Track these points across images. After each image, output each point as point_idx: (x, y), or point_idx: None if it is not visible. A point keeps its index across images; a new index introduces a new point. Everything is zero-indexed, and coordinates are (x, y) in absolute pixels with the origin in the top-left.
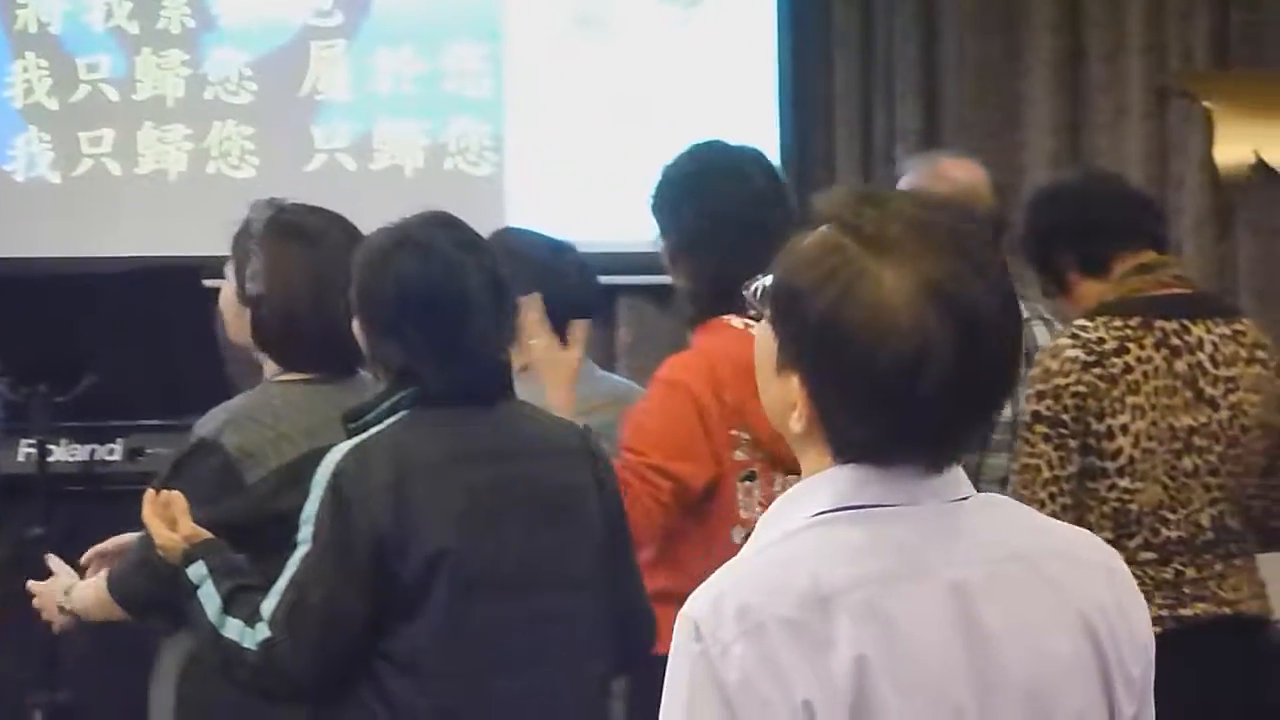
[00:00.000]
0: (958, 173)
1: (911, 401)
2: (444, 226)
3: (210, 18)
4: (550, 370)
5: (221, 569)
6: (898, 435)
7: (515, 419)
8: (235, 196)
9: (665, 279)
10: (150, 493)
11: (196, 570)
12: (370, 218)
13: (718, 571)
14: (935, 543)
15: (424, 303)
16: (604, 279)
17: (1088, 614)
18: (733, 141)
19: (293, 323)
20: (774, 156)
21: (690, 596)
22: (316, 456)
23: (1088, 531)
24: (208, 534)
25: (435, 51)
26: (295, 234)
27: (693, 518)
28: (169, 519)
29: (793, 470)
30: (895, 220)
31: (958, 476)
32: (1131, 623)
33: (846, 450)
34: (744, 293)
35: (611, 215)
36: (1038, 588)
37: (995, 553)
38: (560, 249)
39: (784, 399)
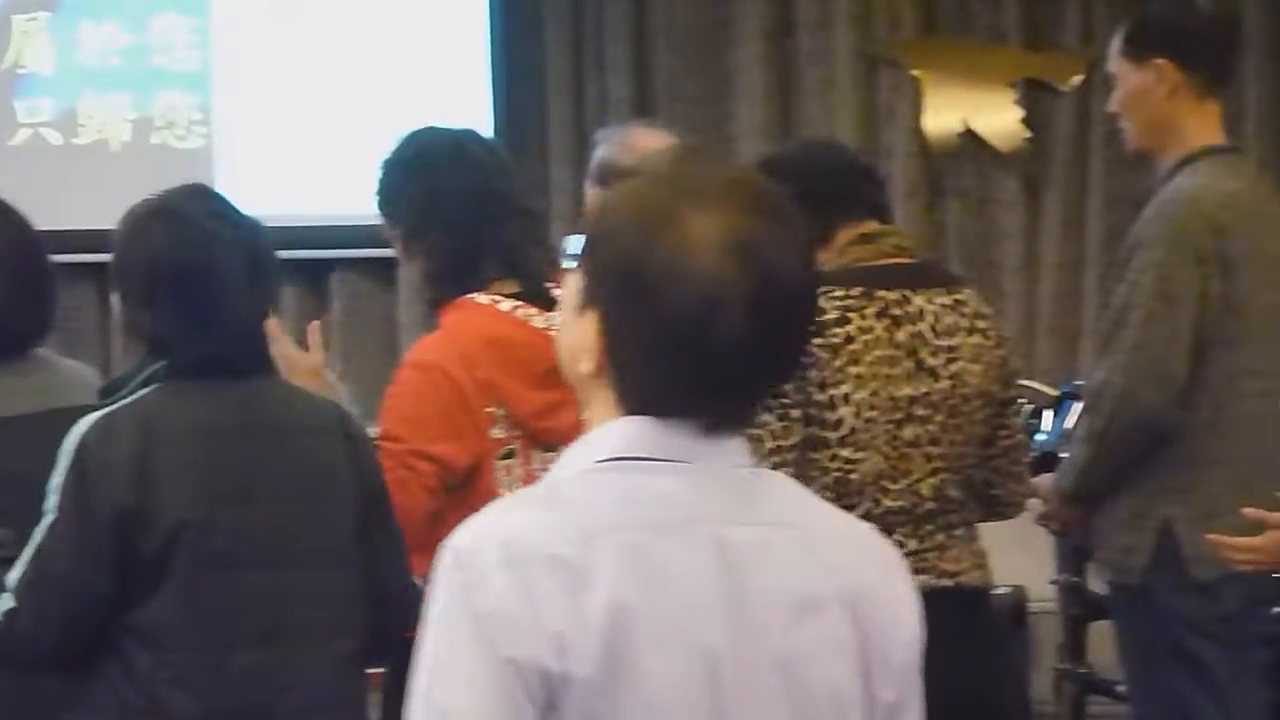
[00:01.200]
0: (649, 143)
1: (701, 350)
2: (199, 198)
3: None
4: (294, 377)
5: None
6: (684, 384)
7: (268, 394)
8: None
9: (379, 252)
10: None
11: None
12: (76, 192)
13: (487, 507)
14: (708, 501)
15: (174, 273)
16: (316, 254)
17: (852, 594)
18: (444, 125)
19: None
20: (487, 126)
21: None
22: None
23: (871, 527)
24: None
25: (141, 25)
26: None
27: (453, 499)
28: None
29: (551, 447)
30: (708, 174)
31: (738, 445)
32: (898, 613)
33: (631, 398)
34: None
35: (322, 188)
36: (806, 560)
37: (767, 518)
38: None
39: (579, 340)
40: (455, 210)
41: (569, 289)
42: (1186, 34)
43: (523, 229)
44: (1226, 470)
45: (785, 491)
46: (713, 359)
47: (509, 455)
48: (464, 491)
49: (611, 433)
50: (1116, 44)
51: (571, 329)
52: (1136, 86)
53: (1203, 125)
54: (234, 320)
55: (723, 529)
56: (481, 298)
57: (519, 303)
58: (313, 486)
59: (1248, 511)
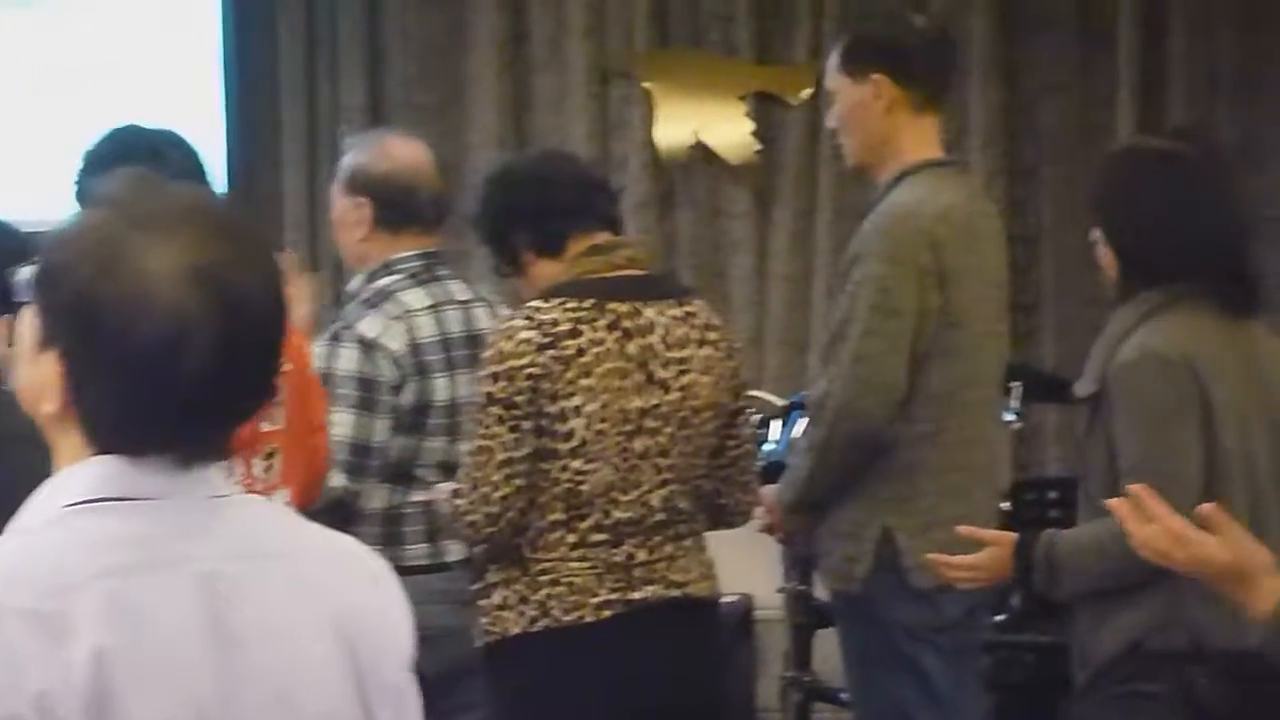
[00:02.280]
0: (401, 151)
1: (168, 384)
2: None
3: None
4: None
5: None
6: (154, 420)
7: None
8: None
9: None
10: None
11: None
12: None
13: None
14: (185, 537)
15: None
16: None
17: (343, 617)
18: (149, 124)
19: None
20: (219, 132)
21: None
22: None
23: (355, 540)
24: None
25: None
26: None
27: None
28: None
29: None
30: (166, 204)
31: (215, 474)
32: (390, 630)
33: (99, 436)
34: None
35: (51, 194)
36: (292, 587)
37: (250, 549)
38: None
39: (40, 379)
40: None
41: (24, 327)
42: (902, 49)
43: None
44: (945, 480)
45: (267, 518)
46: (181, 392)
47: None
48: None
49: (81, 475)
50: (834, 60)
51: (31, 368)
52: (854, 102)
53: (920, 139)
54: None
55: (205, 565)
56: None
57: None
58: (21, 496)
59: (963, 530)
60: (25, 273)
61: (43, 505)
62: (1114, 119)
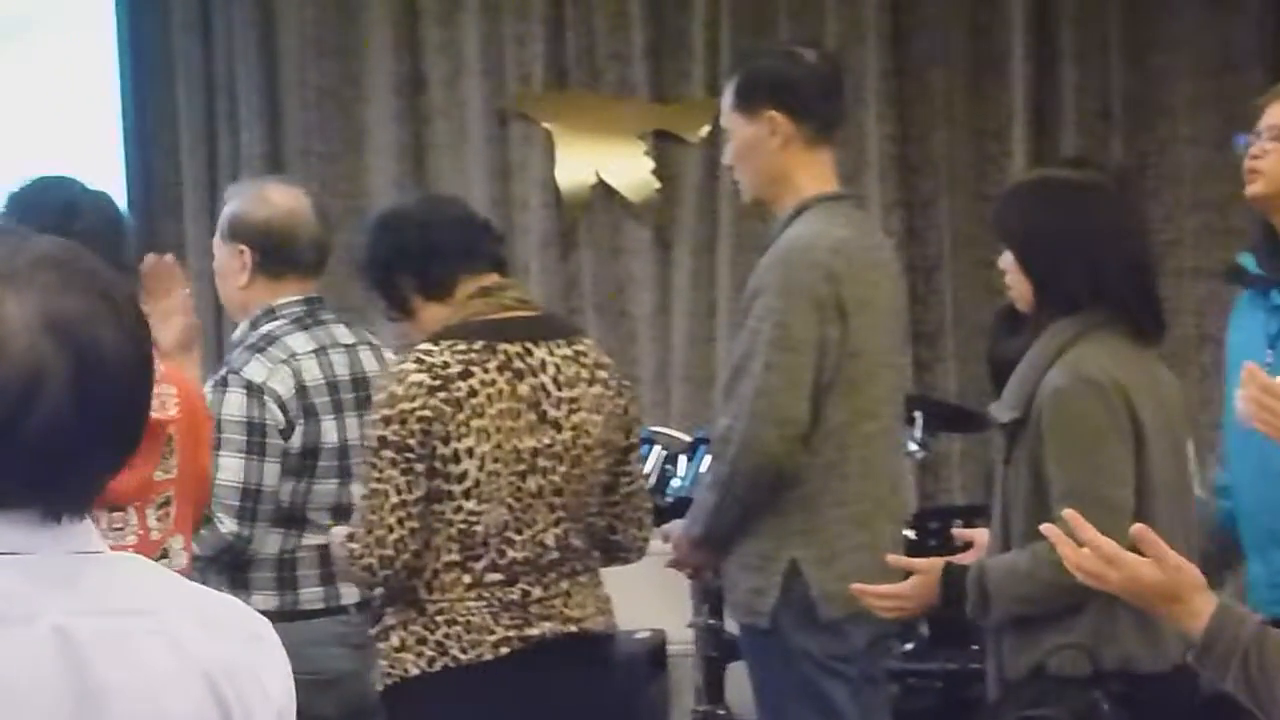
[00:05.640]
0: (279, 197)
1: (22, 438)
2: None
3: None
4: None
5: None
6: (8, 474)
7: None
8: None
9: None
10: None
11: None
12: None
13: None
14: (47, 590)
15: None
16: None
17: (214, 675)
18: (85, 181)
19: None
20: (119, 181)
21: None
22: None
23: (235, 599)
24: None
25: None
26: None
27: None
28: None
29: (117, 507)
30: (26, 255)
31: (86, 529)
32: (264, 686)
33: None
34: None
35: None
36: (161, 644)
37: (117, 605)
38: None
39: None
40: None
41: None
42: (794, 85)
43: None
44: (848, 510)
45: (137, 575)
46: (37, 446)
47: None
48: None
49: None
50: (728, 98)
51: None
52: (749, 139)
53: (815, 174)
54: None
55: (67, 621)
56: None
57: None
58: None
59: (892, 559)
60: None
61: None
62: (1009, 148)
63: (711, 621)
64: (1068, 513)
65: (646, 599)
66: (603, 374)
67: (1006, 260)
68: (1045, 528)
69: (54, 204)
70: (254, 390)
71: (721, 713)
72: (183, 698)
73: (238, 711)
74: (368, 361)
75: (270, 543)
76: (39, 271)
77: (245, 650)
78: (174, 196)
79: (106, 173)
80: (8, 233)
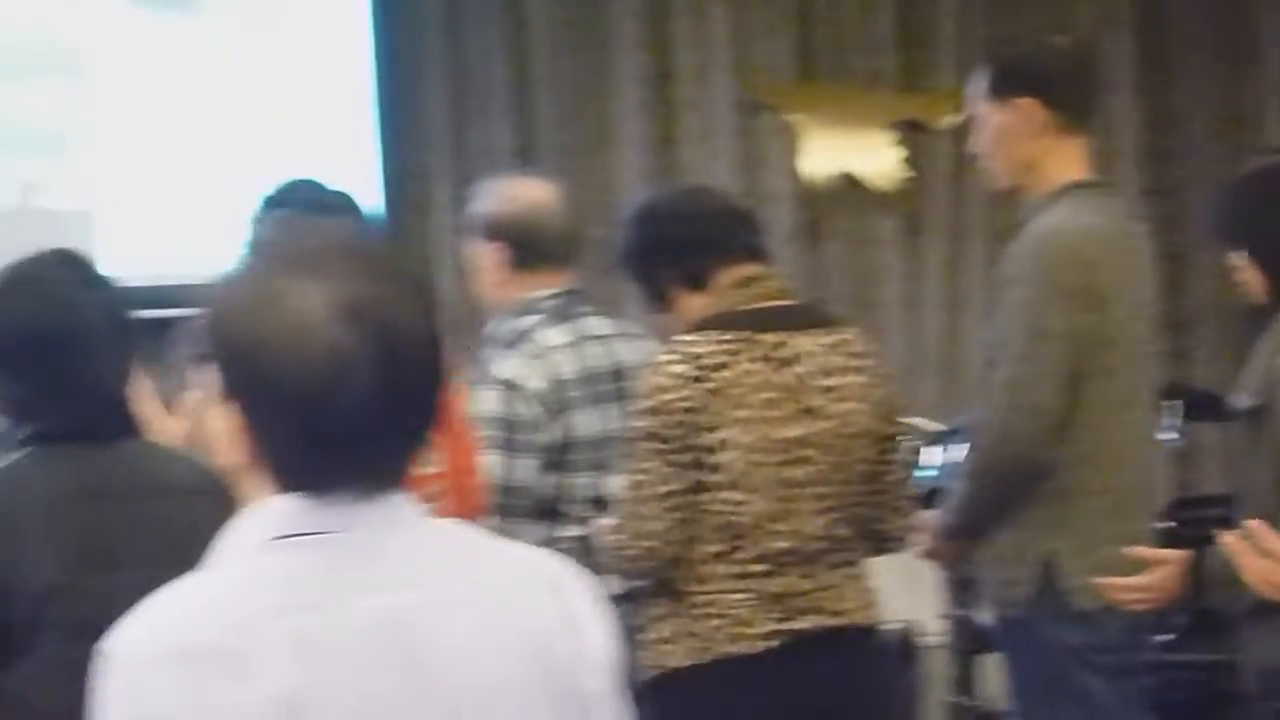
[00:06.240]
0: (526, 192)
1: (332, 422)
2: (64, 264)
3: None
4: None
5: None
6: (323, 458)
7: (140, 457)
8: None
9: None
10: None
11: None
12: None
13: (146, 602)
14: (367, 568)
15: (38, 340)
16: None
17: (532, 633)
18: (327, 183)
19: None
20: (375, 178)
21: (115, 629)
22: None
23: (538, 550)
24: None
25: (15, 87)
26: None
27: None
28: None
29: None
30: (313, 243)
31: (396, 502)
32: (583, 641)
33: (282, 477)
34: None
35: (208, 249)
36: (477, 610)
37: (432, 576)
38: None
39: (227, 429)
40: None
41: (210, 379)
42: (1049, 73)
43: None
44: (1103, 501)
45: (451, 540)
46: (345, 429)
47: None
48: None
49: (265, 513)
50: (980, 86)
51: (219, 420)
52: (1001, 126)
53: (1067, 162)
54: (98, 386)
55: (386, 597)
56: None
57: None
58: (182, 548)
59: (1134, 550)
60: (188, 326)
61: (229, 545)
62: (1261, 136)
63: (963, 612)
64: (1252, 522)
65: (897, 590)
66: (864, 363)
67: (1236, 256)
68: (1227, 538)
69: (306, 203)
70: (510, 387)
71: (973, 704)
72: (507, 660)
73: (559, 668)
74: (627, 353)
75: (527, 535)
76: (335, 260)
77: (563, 608)
78: (423, 192)
79: (361, 165)
80: (302, 224)
